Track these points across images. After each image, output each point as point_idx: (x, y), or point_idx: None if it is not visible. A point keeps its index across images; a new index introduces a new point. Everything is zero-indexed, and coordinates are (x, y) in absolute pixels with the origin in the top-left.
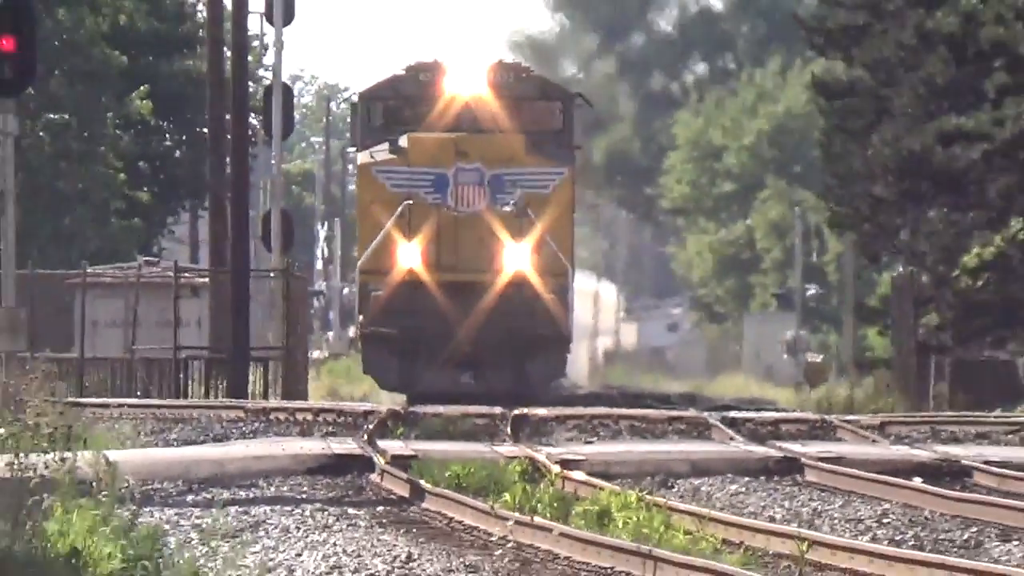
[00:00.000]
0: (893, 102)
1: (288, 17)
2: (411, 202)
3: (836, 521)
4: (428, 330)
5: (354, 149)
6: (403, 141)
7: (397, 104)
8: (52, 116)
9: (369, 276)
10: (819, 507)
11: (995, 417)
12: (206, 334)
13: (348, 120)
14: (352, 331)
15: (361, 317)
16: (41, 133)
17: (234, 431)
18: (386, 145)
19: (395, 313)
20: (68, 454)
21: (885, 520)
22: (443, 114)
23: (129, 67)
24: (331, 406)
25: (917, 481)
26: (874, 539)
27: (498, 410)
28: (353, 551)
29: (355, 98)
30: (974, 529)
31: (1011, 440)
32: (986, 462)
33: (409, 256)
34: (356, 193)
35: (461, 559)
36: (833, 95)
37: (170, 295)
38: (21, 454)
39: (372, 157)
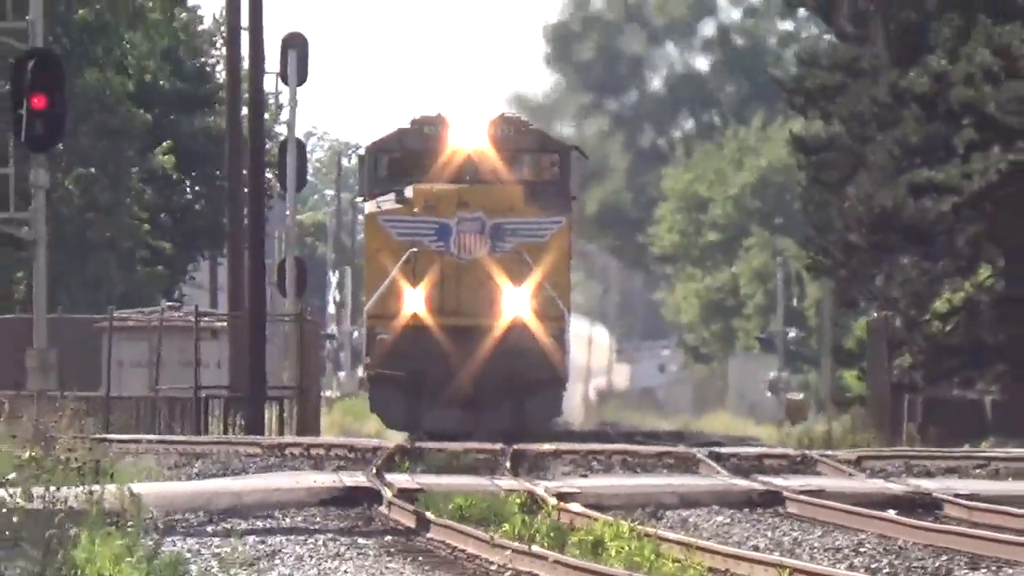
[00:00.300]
0: (867, 157)
1: (302, 77)
2: (416, 250)
3: (816, 550)
4: (431, 372)
5: (362, 199)
6: (408, 191)
7: (403, 156)
8: (81, 170)
9: (376, 320)
10: (799, 537)
11: (964, 452)
12: (225, 374)
13: (357, 173)
14: (360, 372)
15: (368, 359)
16: (70, 186)
17: (251, 465)
18: (392, 195)
19: (400, 356)
20: (95, 487)
21: (862, 549)
22: (446, 166)
23: (153, 124)
24: (342, 442)
25: (891, 513)
26: (851, 567)
27: (499, 446)
28: None
29: (363, 151)
30: (945, 558)
31: (979, 474)
32: (956, 495)
33: (414, 301)
34: (364, 241)
35: None
36: (811, 150)
37: (191, 338)
38: (52, 487)
39: (379, 207)
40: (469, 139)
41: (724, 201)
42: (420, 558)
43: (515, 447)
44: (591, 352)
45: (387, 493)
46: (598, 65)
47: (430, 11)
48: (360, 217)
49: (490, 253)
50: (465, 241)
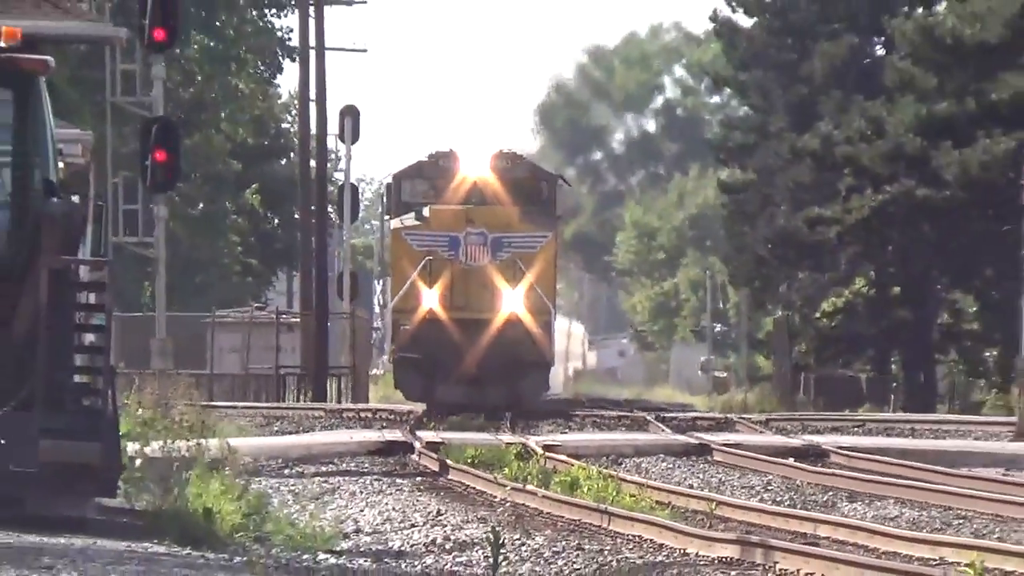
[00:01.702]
0: (774, 197)
1: (355, 137)
2: (431, 257)
3: (735, 488)
4: (443, 355)
5: (388, 217)
6: (426, 211)
7: (421, 183)
8: (190, 209)
9: (399, 314)
10: (723, 478)
11: (845, 416)
12: (298, 357)
13: (384, 196)
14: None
15: (393, 345)
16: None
17: (317, 425)
18: (413, 214)
19: (418, 342)
20: (202, 441)
21: (769, 487)
22: (456, 190)
23: (243, 171)
24: (385, 407)
25: (791, 460)
26: (762, 500)
27: (501, 411)
28: (399, 509)
29: (389, 178)
30: (831, 493)
31: (856, 431)
32: (839, 447)
33: (429, 299)
34: (389, 251)
35: (474, 513)
36: (732, 192)
37: (273, 330)
38: (169, 440)
39: (402, 223)
40: (474, 169)
41: (668, 230)
42: (442, 493)
43: (513, 411)
44: (569, 341)
45: (418, 445)
46: (572, 130)
47: (450, 73)
48: (387, 231)
49: (491, 261)
50: (471, 251)
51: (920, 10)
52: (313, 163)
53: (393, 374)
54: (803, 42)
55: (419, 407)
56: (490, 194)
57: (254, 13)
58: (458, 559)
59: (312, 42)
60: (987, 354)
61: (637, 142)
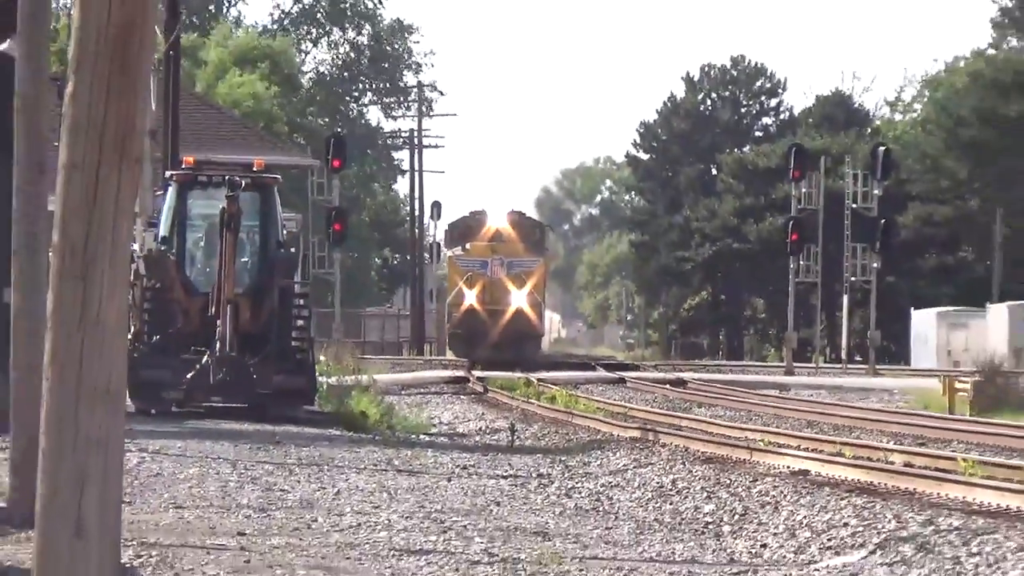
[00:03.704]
0: (659, 248)
1: (438, 216)
2: (471, 273)
3: (638, 400)
4: (478, 331)
5: (447, 250)
6: (468, 246)
7: (465, 229)
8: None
9: (452, 307)
10: (631, 396)
11: (695, 363)
12: (409, 332)
13: (445, 237)
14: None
15: (448, 325)
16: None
17: (418, 367)
18: (459, 248)
19: (463, 323)
20: (358, 376)
21: (656, 400)
22: (485, 234)
23: (381, 235)
24: (451, 360)
25: (667, 386)
26: (652, 406)
27: (513, 363)
28: (461, 411)
29: (447, 226)
30: (688, 403)
31: (701, 371)
32: (693, 379)
33: (470, 298)
34: (446, 269)
35: (501, 413)
36: (636, 245)
37: (397, 318)
38: (341, 376)
39: (454, 253)
40: (496, 221)
41: (604, 265)
42: (484, 403)
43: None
44: (551, 324)
45: (471, 378)
46: (553, 212)
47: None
48: (444, 257)
49: (506, 275)
50: (494, 269)
51: (735, 150)
52: (417, 231)
53: (448, 343)
54: (674, 167)
55: (465, 361)
56: (506, 236)
57: (383, 152)
58: (492, 437)
59: (416, 166)
60: (770, 331)
61: (587, 218)
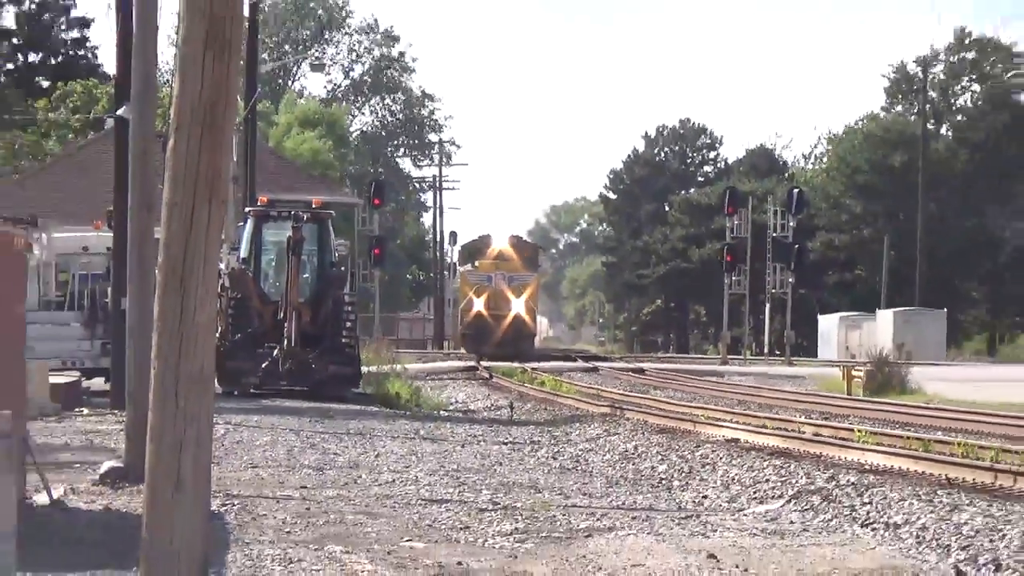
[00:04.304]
0: (623, 268)
1: (455, 242)
2: (479, 285)
3: (609, 383)
4: (484, 333)
5: (460, 266)
6: (476, 263)
7: (474, 250)
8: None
9: (463, 312)
10: (603, 381)
11: (651, 356)
12: (432, 331)
13: (458, 257)
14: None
15: (460, 327)
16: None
17: (439, 359)
18: (470, 264)
19: (472, 326)
20: (393, 365)
21: (622, 384)
22: (490, 254)
23: (410, 256)
24: (465, 354)
25: (630, 373)
26: (619, 388)
27: (512, 357)
28: (472, 392)
29: (460, 247)
30: (647, 386)
31: (657, 362)
32: (652, 368)
33: (478, 305)
34: (459, 282)
35: (504, 395)
36: (607, 265)
37: (423, 321)
38: (380, 364)
39: (465, 269)
40: (500, 243)
41: (583, 280)
42: (491, 386)
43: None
44: (542, 325)
45: (480, 367)
46: (543, 239)
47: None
48: (458, 273)
49: (507, 287)
50: (498, 282)
51: (683, 192)
52: (438, 254)
53: (461, 340)
54: (636, 204)
55: (475, 355)
56: (507, 255)
57: (413, 194)
58: (496, 412)
59: (438, 202)
60: (710, 331)
61: (569, 244)
